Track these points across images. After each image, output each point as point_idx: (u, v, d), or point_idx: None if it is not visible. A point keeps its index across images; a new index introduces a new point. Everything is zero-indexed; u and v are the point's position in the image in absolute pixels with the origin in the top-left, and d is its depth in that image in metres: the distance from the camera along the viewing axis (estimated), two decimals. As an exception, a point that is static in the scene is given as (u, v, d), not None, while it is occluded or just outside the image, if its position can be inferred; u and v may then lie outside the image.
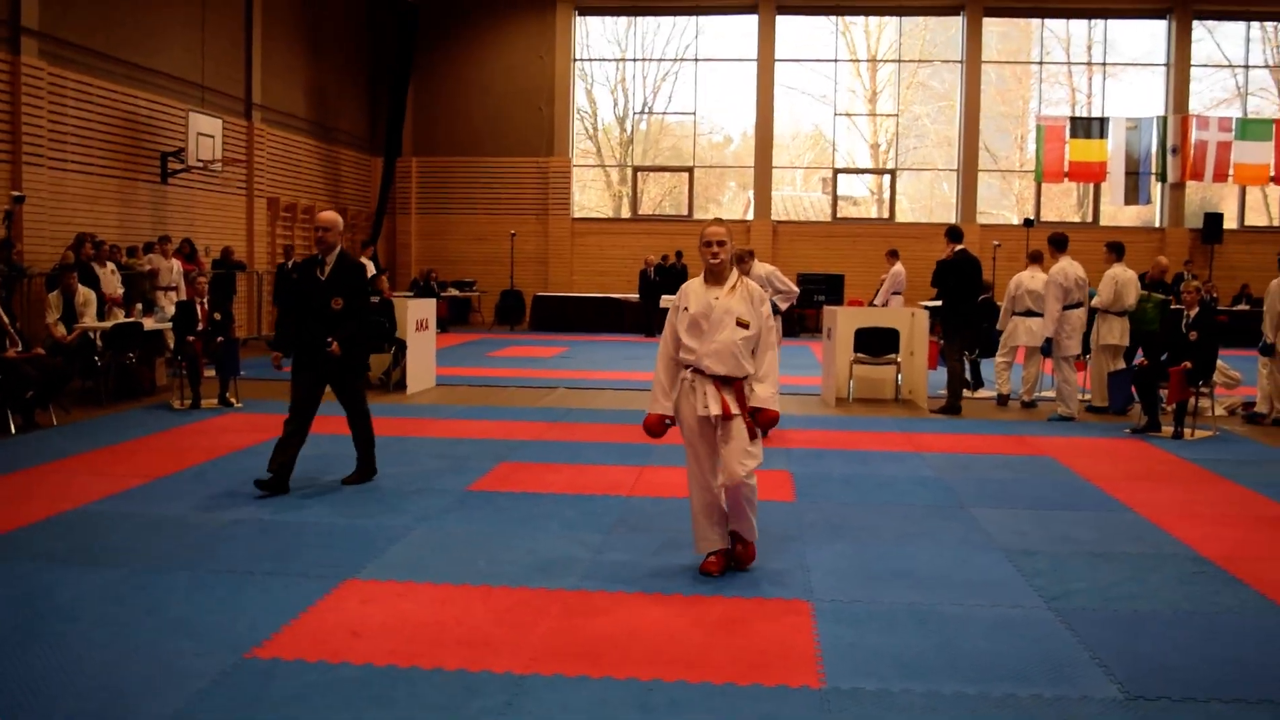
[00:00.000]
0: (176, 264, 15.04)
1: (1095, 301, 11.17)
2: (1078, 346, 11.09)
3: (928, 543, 6.14)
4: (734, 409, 5.19)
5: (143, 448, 8.87)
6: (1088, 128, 24.62)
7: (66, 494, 7.02)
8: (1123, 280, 11.07)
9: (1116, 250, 11.30)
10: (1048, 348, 11.05)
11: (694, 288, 5.40)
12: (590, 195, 28.05)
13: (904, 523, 6.61)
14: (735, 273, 5.39)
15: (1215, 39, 25.48)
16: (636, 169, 27.05)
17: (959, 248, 11.32)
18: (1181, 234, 24.78)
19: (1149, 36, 25.69)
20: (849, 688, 4.01)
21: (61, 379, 10.19)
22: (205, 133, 17.27)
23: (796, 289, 10.57)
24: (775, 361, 5.32)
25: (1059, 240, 11.28)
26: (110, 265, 13.51)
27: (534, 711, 3.78)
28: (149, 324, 12.25)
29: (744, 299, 5.28)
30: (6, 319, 9.76)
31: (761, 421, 5.21)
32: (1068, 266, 11.04)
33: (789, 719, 3.74)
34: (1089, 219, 26.19)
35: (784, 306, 10.23)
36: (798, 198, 28.50)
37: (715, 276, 5.34)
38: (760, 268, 9.92)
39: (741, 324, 5.22)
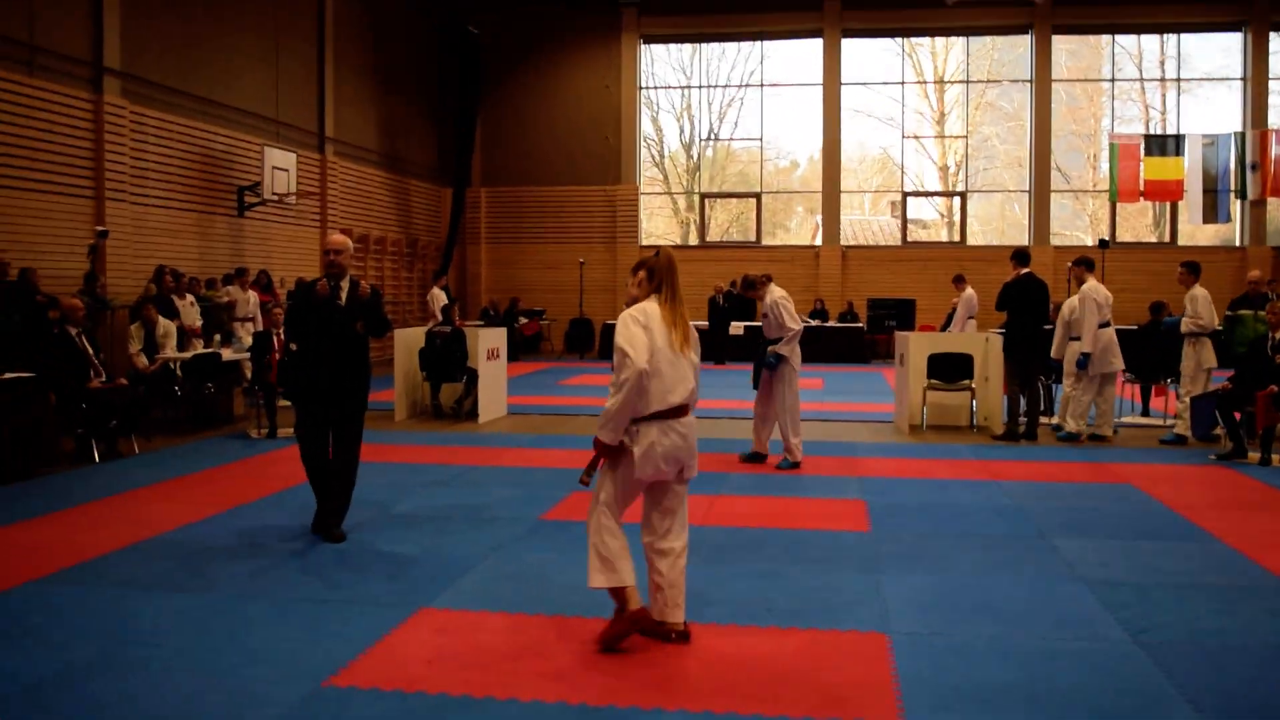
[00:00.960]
0: (253, 295, 15.34)
1: (1197, 323, 10.84)
2: (1118, 363, 11.19)
3: (1007, 574, 6.01)
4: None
5: (221, 476, 9.02)
6: (1163, 145, 24.17)
7: (148, 521, 7.15)
8: (1207, 300, 10.87)
9: (1195, 270, 11.13)
10: (1084, 361, 11.04)
11: None
12: (658, 223, 28.12)
13: (982, 553, 6.48)
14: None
15: (1294, 51, 24.97)
16: (704, 195, 27.07)
17: (1024, 270, 11.19)
18: (1263, 252, 24.15)
19: (1223, 50, 25.20)
20: (929, 723, 3.94)
21: (143, 408, 10.42)
22: (280, 166, 17.61)
23: (797, 326, 9.41)
24: (614, 393, 4.63)
25: (1087, 261, 11.50)
26: (190, 297, 13.81)
27: (609, 744, 3.76)
28: (227, 354, 12.49)
29: None
30: (91, 350, 10.00)
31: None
32: (1099, 285, 11.25)
33: (869, 754, 3.68)
34: (1166, 238, 25.69)
35: (786, 350, 9.37)
36: (866, 222, 28.34)
37: None
38: (771, 293, 9.56)
39: None
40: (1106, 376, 11.21)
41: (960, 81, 26.71)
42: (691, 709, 4.05)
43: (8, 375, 8.93)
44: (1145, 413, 13.01)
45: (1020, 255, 11.41)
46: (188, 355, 11.93)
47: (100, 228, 13.70)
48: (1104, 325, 11.10)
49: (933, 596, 5.54)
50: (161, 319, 11.93)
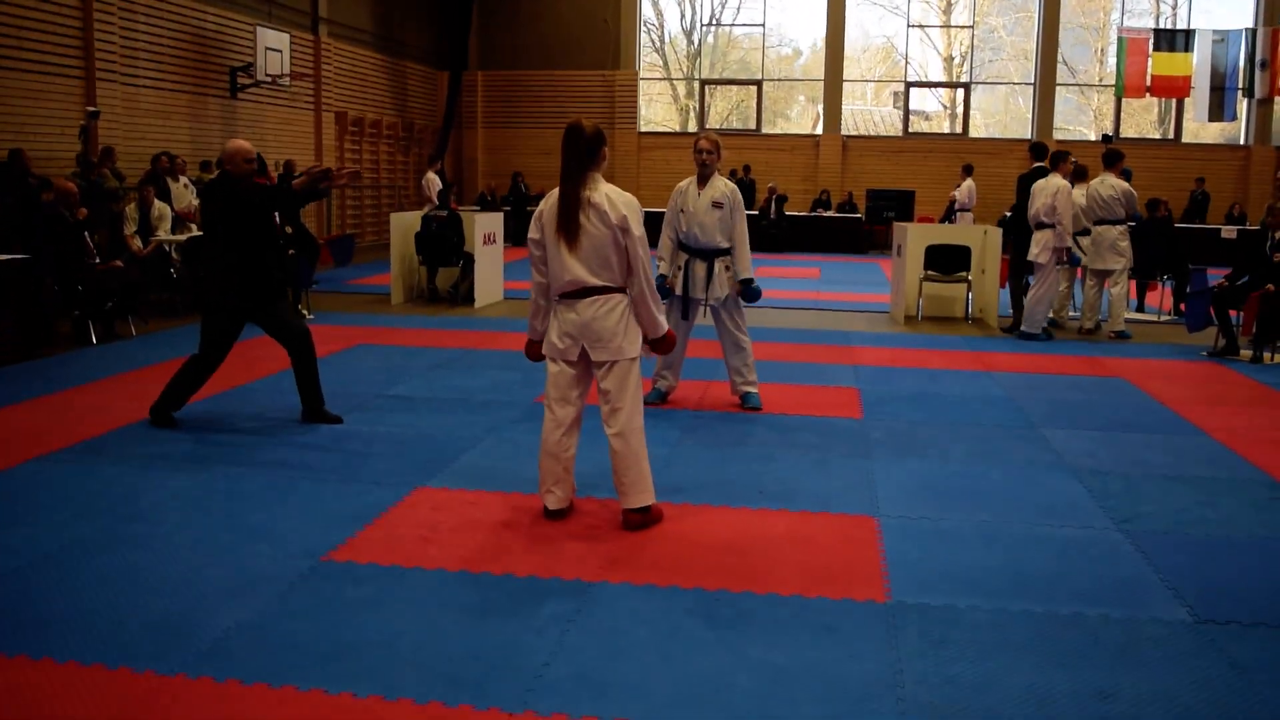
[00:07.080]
0: (247, 178, 15.15)
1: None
2: (1106, 262, 11.17)
3: (996, 462, 6.09)
4: None
5: (218, 358, 9.03)
6: (1172, 40, 23.74)
7: (147, 401, 7.17)
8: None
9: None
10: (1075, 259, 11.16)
11: None
12: (657, 109, 27.75)
13: (972, 442, 6.56)
14: None
15: (1311, -55, 24.37)
16: (704, 82, 26.66)
17: (1037, 164, 11.10)
18: (1267, 152, 23.91)
19: (1240, -57, 24.63)
20: (914, 603, 4.02)
21: (139, 291, 10.40)
22: (273, 47, 17.30)
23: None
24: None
25: (1111, 153, 11.40)
26: (183, 179, 13.68)
27: (602, 618, 3.84)
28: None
29: None
30: (86, 233, 9.94)
31: None
32: (1093, 183, 11.25)
33: (854, 631, 3.76)
34: (1170, 136, 25.41)
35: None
36: (868, 112, 27.99)
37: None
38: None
39: None
40: (1103, 272, 11.21)
41: (968, -31, 26.15)
42: (683, 585, 4.14)
43: (3, 257, 8.89)
44: (1140, 308, 13.04)
45: (1038, 149, 11.36)
46: (182, 238, 11.86)
47: (91, 108, 13.50)
48: (1102, 223, 11.07)
49: (922, 483, 5.62)
50: (156, 201, 11.84)
